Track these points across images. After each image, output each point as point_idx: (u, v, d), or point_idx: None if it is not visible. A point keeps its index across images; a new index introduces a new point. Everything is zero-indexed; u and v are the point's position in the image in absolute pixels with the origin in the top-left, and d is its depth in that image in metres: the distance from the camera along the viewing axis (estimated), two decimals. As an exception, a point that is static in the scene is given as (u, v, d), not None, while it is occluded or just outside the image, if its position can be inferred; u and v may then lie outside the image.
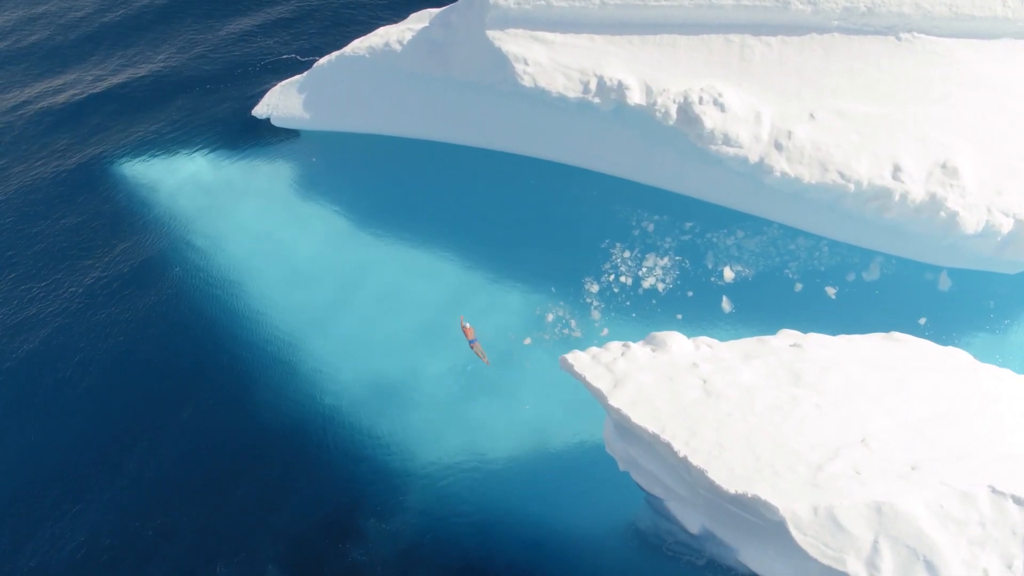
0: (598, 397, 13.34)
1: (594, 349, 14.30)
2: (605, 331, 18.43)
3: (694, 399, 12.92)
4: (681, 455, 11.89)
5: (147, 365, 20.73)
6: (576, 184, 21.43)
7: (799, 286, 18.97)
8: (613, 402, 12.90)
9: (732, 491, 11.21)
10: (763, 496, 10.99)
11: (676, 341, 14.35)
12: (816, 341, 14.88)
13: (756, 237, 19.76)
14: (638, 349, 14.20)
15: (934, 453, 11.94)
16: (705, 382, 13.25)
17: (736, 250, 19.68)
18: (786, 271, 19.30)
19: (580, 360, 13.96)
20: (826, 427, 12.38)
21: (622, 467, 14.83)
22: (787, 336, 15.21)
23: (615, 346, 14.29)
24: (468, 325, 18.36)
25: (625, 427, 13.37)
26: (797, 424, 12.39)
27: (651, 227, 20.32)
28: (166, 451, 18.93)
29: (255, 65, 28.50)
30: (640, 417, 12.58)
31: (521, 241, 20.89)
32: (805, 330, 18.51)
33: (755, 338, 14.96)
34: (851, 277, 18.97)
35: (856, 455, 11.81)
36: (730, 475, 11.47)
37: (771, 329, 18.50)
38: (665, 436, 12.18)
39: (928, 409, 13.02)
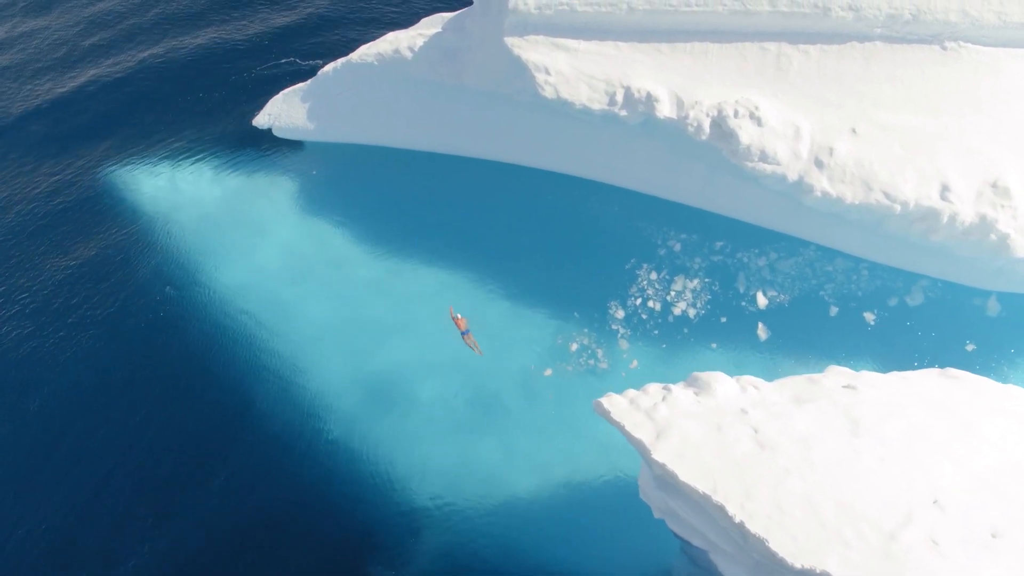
0: (639, 449, 12.16)
1: (631, 392, 13.11)
2: (634, 363, 17.22)
3: (746, 452, 11.74)
4: (737, 520, 10.72)
5: (142, 388, 19.51)
6: (597, 200, 20.21)
7: (834, 310, 17.83)
8: (657, 456, 11.72)
9: (799, 565, 10.05)
10: (834, 573, 9.84)
11: (720, 383, 13.18)
12: (869, 380, 13.73)
13: (791, 258, 18.58)
14: (679, 392, 13.01)
15: (1013, 515, 10.82)
16: (756, 432, 12.07)
17: (769, 272, 18.50)
18: (822, 293, 18.14)
19: (617, 405, 12.76)
20: (893, 484, 11.23)
21: (657, 515, 13.71)
22: (837, 374, 14.08)
23: (654, 389, 13.11)
24: (460, 316, 17.28)
25: (668, 481, 12.20)
26: (862, 481, 11.24)
27: (678, 247, 19.12)
28: (164, 487, 17.74)
29: (253, 70, 27.08)
30: (688, 474, 11.40)
31: (540, 261, 19.66)
32: (848, 359, 17.49)
33: (804, 377, 13.83)
34: (893, 302, 17.84)
35: (930, 519, 10.67)
36: (794, 545, 10.30)
37: (812, 358, 17.45)
38: (718, 498, 11.01)
39: (998, 459, 11.91)
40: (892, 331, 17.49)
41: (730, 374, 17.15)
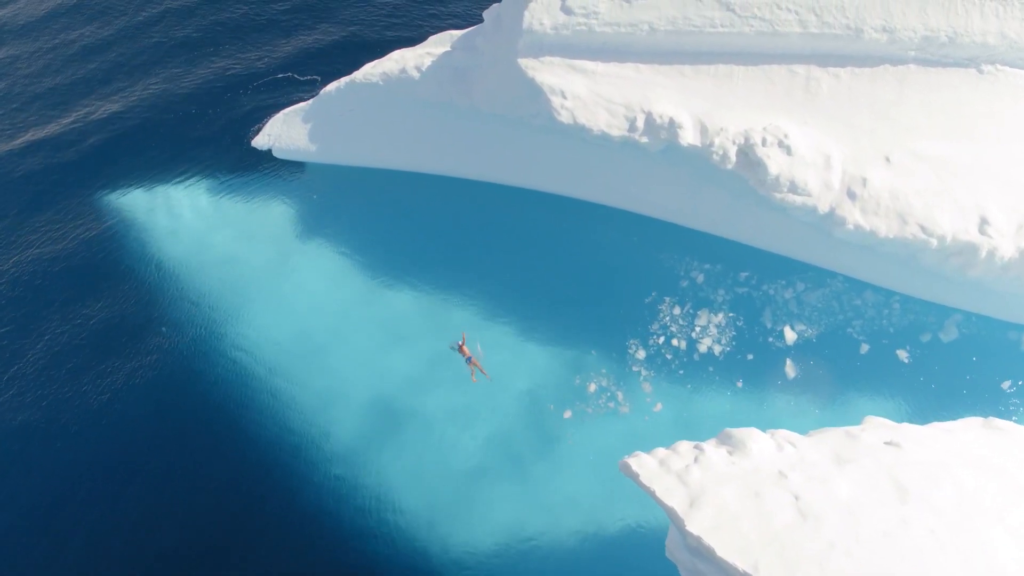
0: (672, 517, 11.35)
1: (661, 451, 12.31)
2: (659, 406, 16.38)
3: (787, 523, 10.93)
4: (782, 605, 9.94)
5: (139, 423, 18.72)
6: (615, 228, 19.28)
7: (865, 347, 17.04)
8: (692, 528, 10.91)
9: (852, 660, 9.28)
10: (893, 670, 9.07)
11: (755, 441, 12.34)
12: (910, 435, 12.94)
13: (818, 290, 17.72)
14: (712, 452, 12.19)
15: (1078, 595, 10.08)
16: (797, 499, 11.25)
17: (796, 305, 17.65)
18: (850, 330, 17.29)
19: (646, 467, 11.95)
20: (947, 562, 10.43)
21: (684, 575, 12.95)
22: (877, 427, 13.29)
23: (685, 448, 12.30)
24: (462, 343, 16.50)
25: (702, 552, 11.40)
26: (913, 558, 10.44)
27: (701, 278, 18.23)
28: (164, 531, 16.99)
29: (251, 88, 25.80)
30: (727, 550, 10.60)
31: (554, 293, 18.73)
32: (881, 399, 16.73)
33: (842, 431, 13.02)
34: (926, 337, 17.02)
35: (990, 603, 9.93)
36: (846, 636, 9.53)
37: (843, 399, 16.70)
38: (760, 578, 10.22)
39: (1054, 527, 11.17)
40: (926, 369, 16.69)
41: (758, 414, 16.39)
